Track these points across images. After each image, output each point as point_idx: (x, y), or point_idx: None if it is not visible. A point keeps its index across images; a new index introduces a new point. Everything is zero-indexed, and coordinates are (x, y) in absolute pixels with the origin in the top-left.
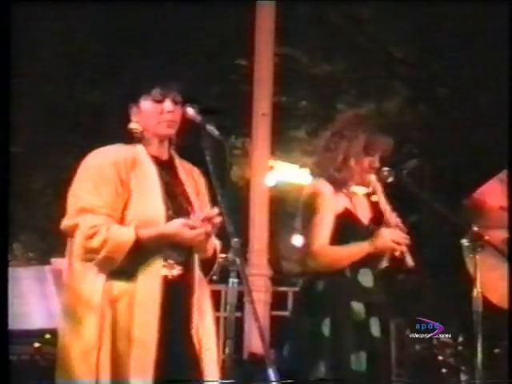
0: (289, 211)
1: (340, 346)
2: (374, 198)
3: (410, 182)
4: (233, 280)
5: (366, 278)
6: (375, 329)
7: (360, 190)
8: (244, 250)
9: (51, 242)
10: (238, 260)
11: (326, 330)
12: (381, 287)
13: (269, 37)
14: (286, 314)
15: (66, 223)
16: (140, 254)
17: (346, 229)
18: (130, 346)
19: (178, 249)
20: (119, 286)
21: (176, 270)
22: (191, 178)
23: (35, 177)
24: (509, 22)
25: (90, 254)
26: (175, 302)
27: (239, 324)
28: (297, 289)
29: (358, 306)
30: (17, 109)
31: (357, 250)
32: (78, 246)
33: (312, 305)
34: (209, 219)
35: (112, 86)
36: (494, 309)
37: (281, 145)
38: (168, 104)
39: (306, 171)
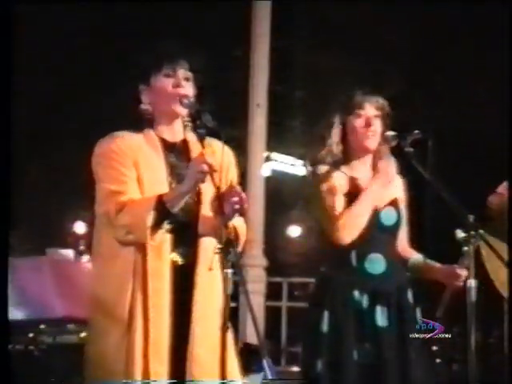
0: (284, 202)
1: (339, 341)
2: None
3: (412, 153)
4: (227, 270)
5: (375, 265)
6: (381, 318)
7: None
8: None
9: (48, 233)
10: (232, 250)
11: (324, 326)
12: (394, 273)
13: (265, 28)
14: (280, 304)
15: (97, 210)
16: (165, 219)
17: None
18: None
19: (187, 241)
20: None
21: (184, 259)
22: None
23: (33, 168)
24: (509, 22)
25: (122, 230)
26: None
27: (234, 314)
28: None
29: (360, 296)
30: (17, 102)
31: (364, 196)
32: (111, 225)
33: (313, 299)
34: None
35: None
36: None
37: (276, 136)
38: (179, 78)
39: (303, 162)
